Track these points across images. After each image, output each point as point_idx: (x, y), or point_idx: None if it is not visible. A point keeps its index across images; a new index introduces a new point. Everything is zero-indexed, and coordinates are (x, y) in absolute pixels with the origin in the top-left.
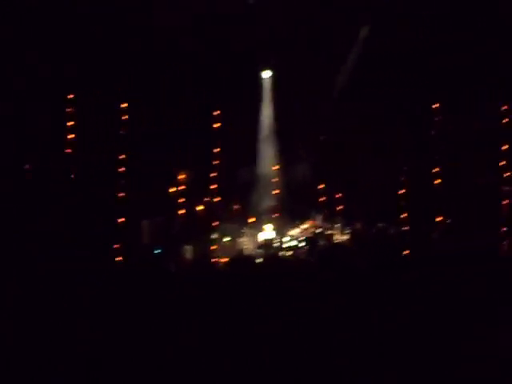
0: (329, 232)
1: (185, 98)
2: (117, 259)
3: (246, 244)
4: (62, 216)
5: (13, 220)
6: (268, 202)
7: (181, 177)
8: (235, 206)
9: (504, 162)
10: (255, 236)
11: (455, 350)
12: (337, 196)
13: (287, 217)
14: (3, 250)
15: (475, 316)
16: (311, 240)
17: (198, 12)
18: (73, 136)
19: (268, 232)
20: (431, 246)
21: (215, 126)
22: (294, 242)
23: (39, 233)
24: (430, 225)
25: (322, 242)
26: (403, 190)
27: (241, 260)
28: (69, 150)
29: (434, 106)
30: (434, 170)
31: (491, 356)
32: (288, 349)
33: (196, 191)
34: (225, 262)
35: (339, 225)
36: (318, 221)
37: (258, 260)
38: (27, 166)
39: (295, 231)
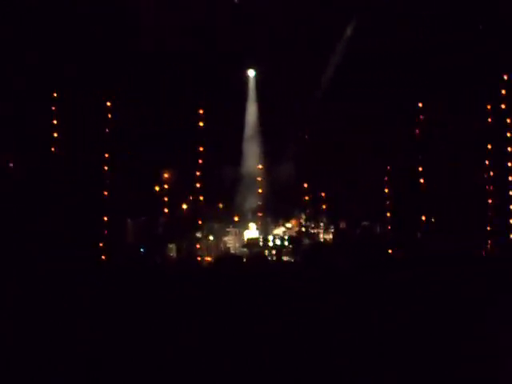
0: (313, 231)
1: (169, 97)
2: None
3: (231, 243)
4: (61, 216)
5: (13, 220)
6: (252, 201)
7: (165, 176)
8: (220, 205)
9: (487, 162)
10: (240, 235)
11: (455, 350)
12: (321, 195)
13: (271, 216)
14: (3, 250)
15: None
16: (295, 239)
17: (185, 12)
18: (57, 135)
19: (253, 231)
20: (415, 245)
21: (200, 124)
22: (279, 241)
23: (39, 233)
24: (414, 224)
25: (306, 241)
26: (387, 190)
27: (226, 259)
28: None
29: (418, 105)
30: (418, 170)
31: (491, 355)
32: (288, 349)
33: (180, 190)
34: (210, 261)
35: (323, 224)
36: (302, 220)
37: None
38: (11, 165)
39: (279, 230)
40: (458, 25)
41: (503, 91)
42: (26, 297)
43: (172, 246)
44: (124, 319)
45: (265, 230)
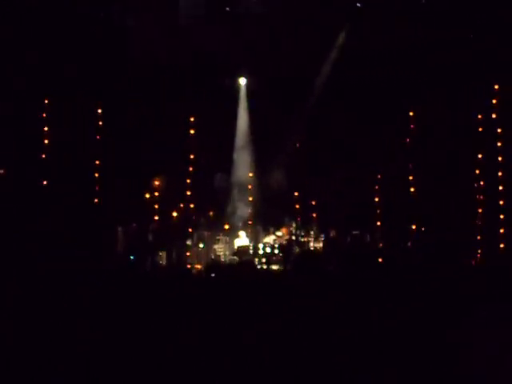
0: (303, 239)
1: (160, 105)
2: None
3: (221, 251)
4: (61, 216)
5: (13, 220)
6: (243, 209)
7: (156, 183)
8: (210, 213)
9: (478, 172)
10: (230, 243)
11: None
12: (311, 203)
13: (262, 224)
14: (3, 250)
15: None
16: (286, 247)
17: (176, 19)
18: (47, 141)
19: (243, 239)
20: (405, 253)
21: (191, 132)
22: (269, 250)
23: (39, 233)
24: (404, 233)
25: (296, 250)
26: (377, 199)
27: (215, 266)
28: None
29: (409, 114)
30: (408, 179)
31: (491, 354)
32: (287, 347)
33: (171, 198)
34: (200, 269)
35: (313, 232)
36: (293, 228)
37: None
38: (2, 171)
39: (270, 238)
40: (455, 23)
41: (494, 100)
42: (26, 297)
43: (162, 253)
44: (124, 319)
45: (255, 238)
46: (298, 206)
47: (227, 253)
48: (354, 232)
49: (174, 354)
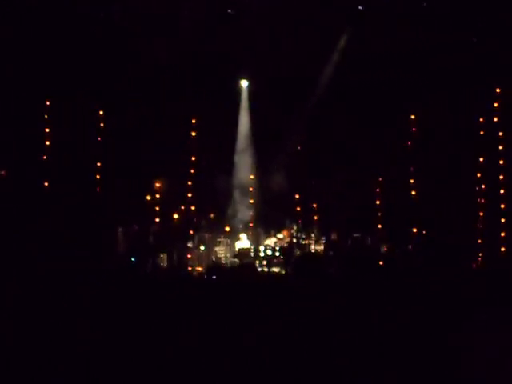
0: (304, 242)
1: (162, 106)
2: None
3: (222, 253)
4: (62, 216)
5: (13, 220)
6: (244, 212)
7: (157, 185)
8: (211, 215)
9: (479, 175)
10: (231, 245)
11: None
12: (312, 206)
13: (263, 226)
14: (3, 250)
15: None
16: (287, 250)
17: (177, 20)
18: (49, 143)
19: (244, 241)
20: (406, 256)
21: (192, 134)
22: (270, 252)
23: (39, 233)
24: (405, 236)
25: (297, 252)
26: (378, 202)
27: (216, 269)
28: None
29: (411, 117)
30: (409, 182)
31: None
32: (288, 349)
33: (172, 199)
34: (201, 271)
35: (314, 235)
36: (294, 230)
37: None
38: (3, 172)
39: (271, 241)
40: (457, 26)
41: (495, 104)
42: (26, 297)
43: (163, 255)
44: (124, 319)
45: (256, 241)
46: (299, 209)
47: (228, 255)
48: (355, 235)
49: (174, 355)
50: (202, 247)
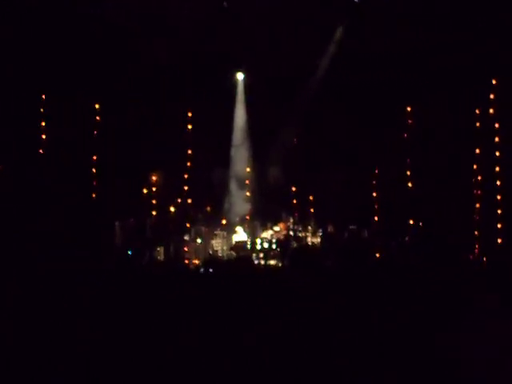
0: (301, 234)
1: (158, 100)
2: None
3: (219, 246)
4: (61, 214)
5: (13, 220)
6: (241, 204)
7: (154, 178)
8: (208, 208)
9: (475, 167)
10: (228, 238)
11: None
12: (309, 198)
13: (259, 219)
14: (3, 250)
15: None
16: (283, 242)
17: (172, 14)
18: (45, 137)
19: (241, 234)
20: (403, 249)
21: (188, 127)
22: (266, 245)
23: (39, 233)
24: (402, 228)
25: (294, 245)
26: (375, 194)
27: (212, 261)
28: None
29: (407, 109)
30: (406, 174)
31: (491, 355)
32: (287, 348)
33: (169, 193)
34: (197, 264)
35: (311, 227)
36: (290, 223)
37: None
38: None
39: (267, 233)
40: (457, 25)
41: (492, 95)
42: (26, 297)
43: (160, 248)
44: (124, 319)
45: (253, 233)
46: (295, 201)
47: (225, 248)
48: (352, 227)
49: (172, 352)
50: (199, 240)
